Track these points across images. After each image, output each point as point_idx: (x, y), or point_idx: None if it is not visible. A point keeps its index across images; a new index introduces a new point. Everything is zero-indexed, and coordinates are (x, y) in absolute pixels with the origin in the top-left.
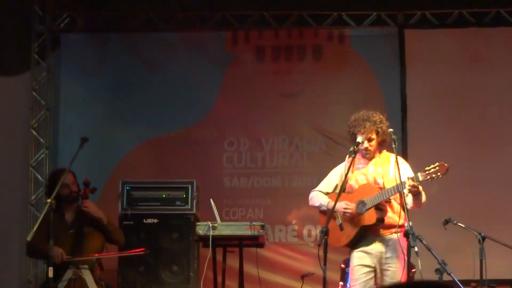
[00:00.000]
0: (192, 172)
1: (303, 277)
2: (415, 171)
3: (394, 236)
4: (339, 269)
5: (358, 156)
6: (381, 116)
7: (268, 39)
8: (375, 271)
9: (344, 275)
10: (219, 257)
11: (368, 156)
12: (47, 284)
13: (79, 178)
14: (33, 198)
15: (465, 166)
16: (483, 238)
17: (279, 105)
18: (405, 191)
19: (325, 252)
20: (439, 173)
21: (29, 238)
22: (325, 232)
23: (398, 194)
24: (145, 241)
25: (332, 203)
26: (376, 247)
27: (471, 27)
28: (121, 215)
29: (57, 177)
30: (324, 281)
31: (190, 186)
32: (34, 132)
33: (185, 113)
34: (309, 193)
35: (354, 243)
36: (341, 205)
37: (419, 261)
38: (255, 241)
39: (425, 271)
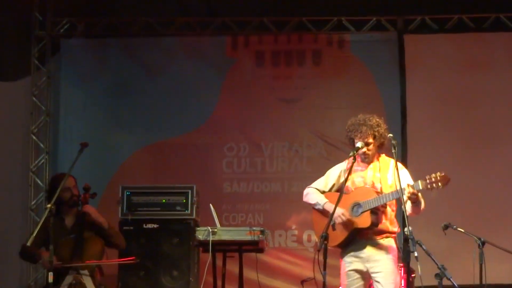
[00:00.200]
0: (192, 177)
1: (303, 282)
2: (415, 176)
3: (385, 241)
4: (339, 274)
5: (357, 159)
6: (378, 120)
7: (268, 44)
8: (366, 275)
9: None
10: (219, 262)
11: (367, 160)
12: None
13: (79, 183)
14: (33, 203)
15: (464, 171)
16: (483, 243)
17: (278, 110)
18: (405, 197)
19: (325, 257)
20: (439, 183)
21: (28, 243)
22: (324, 237)
23: (394, 201)
24: (145, 246)
25: (329, 205)
26: (367, 251)
27: (471, 32)
28: (121, 220)
29: (57, 182)
30: (324, 286)
31: (190, 191)
32: (34, 137)
33: (185, 118)
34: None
35: (345, 245)
36: (339, 210)
37: (418, 266)
38: (255, 246)
39: (425, 276)
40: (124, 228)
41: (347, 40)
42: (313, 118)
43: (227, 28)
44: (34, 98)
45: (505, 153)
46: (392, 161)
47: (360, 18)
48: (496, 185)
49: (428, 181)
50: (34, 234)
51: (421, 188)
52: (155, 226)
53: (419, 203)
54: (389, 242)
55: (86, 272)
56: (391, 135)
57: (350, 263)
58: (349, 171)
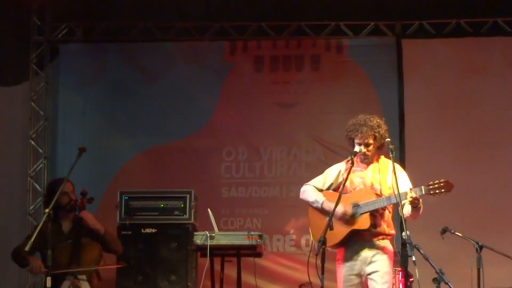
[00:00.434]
0: (190, 182)
1: (301, 286)
2: (413, 179)
3: (382, 242)
4: (335, 278)
5: (357, 160)
6: (378, 120)
7: (266, 49)
8: (363, 277)
9: None
10: (217, 267)
11: (366, 161)
12: None
13: (78, 188)
14: (31, 208)
15: (463, 175)
16: (481, 247)
17: (277, 115)
18: (405, 201)
19: (323, 262)
20: (443, 190)
21: (27, 248)
22: (322, 242)
23: (400, 202)
24: (143, 251)
25: (328, 203)
26: (364, 253)
27: (469, 36)
28: (119, 225)
29: (55, 187)
30: None
31: (188, 196)
32: (32, 142)
33: (183, 122)
34: (305, 202)
35: (342, 245)
36: (340, 209)
37: (416, 270)
38: (253, 251)
39: (422, 280)
40: (122, 232)
41: (345, 45)
42: (312, 122)
43: (226, 33)
44: (32, 103)
45: (503, 157)
46: (390, 163)
47: (358, 23)
48: (494, 189)
49: (431, 186)
50: (32, 239)
51: (423, 193)
52: (153, 230)
53: (419, 208)
54: (386, 243)
55: (83, 277)
56: (389, 139)
57: (348, 267)
58: (347, 175)
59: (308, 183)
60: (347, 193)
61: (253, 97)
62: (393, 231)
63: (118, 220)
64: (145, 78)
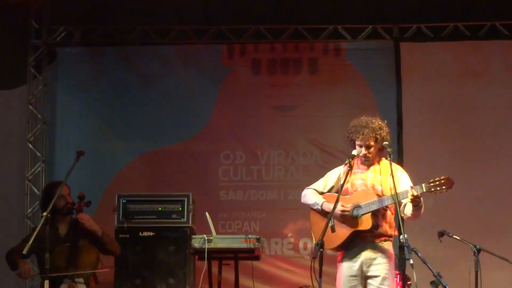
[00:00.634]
0: (188, 185)
1: None
2: (412, 183)
3: (386, 245)
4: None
5: (358, 161)
6: (380, 122)
7: (264, 52)
8: (363, 278)
9: None
10: (215, 270)
11: (367, 163)
12: None
13: (76, 191)
14: (29, 211)
15: (460, 179)
16: (478, 251)
17: (275, 118)
18: (406, 200)
19: (321, 265)
20: (444, 187)
21: (24, 251)
22: (320, 245)
23: (395, 204)
24: (141, 254)
25: (327, 204)
26: (366, 254)
27: (466, 40)
28: (117, 228)
29: (51, 190)
30: None
31: (186, 199)
32: (30, 146)
33: (181, 126)
34: (305, 206)
35: (344, 247)
36: (338, 207)
37: (414, 273)
38: (251, 254)
39: (420, 283)
40: (120, 236)
41: (343, 48)
42: (309, 126)
43: (224, 36)
44: (30, 107)
45: (501, 160)
46: (393, 164)
47: (356, 26)
48: (492, 192)
49: (431, 184)
50: (30, 243)
51: (424, 191)
52: (151, 234)
53: (421, 207)
54: (388, 245)
55: (81, 280)
56: (386, 142)
57: (349, 268)
58: (345, 178)
59: (309, 186)
60: (348, 195)
61: (251, 100)
62: (395, 232)
63: (116, 223)
64: (143, 81)
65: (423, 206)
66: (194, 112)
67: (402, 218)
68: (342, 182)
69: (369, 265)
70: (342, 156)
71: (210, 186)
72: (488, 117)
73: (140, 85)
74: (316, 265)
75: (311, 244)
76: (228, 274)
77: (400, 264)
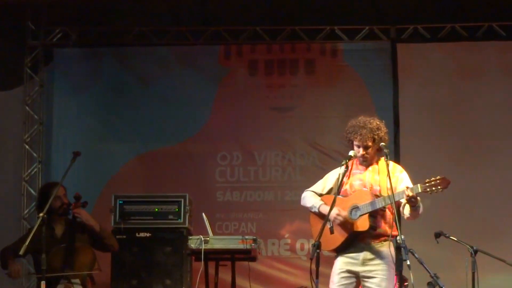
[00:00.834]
0: (185, 186)
1: None
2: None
3: (385, 245)
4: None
5: (356, 162)
6: (378, 123)
7: (261, 53)
8: (358, 278)
9: None
10: (212, 271)
11: (366, 163)
12: None
13: (72, 192)
14: (26, 212)
15: (457, 179)
16: (475, 252)
17: (272, 119)
18: (403, 200)
19: (317, 266)
20: (439, 187)
21: (21, 252)
22: (317, 246)
23: (393, 205)
24: (138, 255)
25: (325, 207)
26: (364, 255)
27: (463, 40)
28: (113, 229)
29: (47, 191)
30: None
31: (182, 200)
32: (27, 147)
33: (178, 127)
34: (302, 207)
35: (343, 249)
36: (334, 211)
37: (411, 274)
38: (247, 255)
39: (417, 284)
40: (117, 236)
41: (340, 49)
42: (306, 127)
43: (221, 37)
44: (27, 108)
45: (498, 161)
46: (391, 164)
47: (353, 27)
48: (489, 193)
49: (427, 184)
50: (27, 243)
51: (420, 191)
52: (148, 235)
53: (418, 207)
54: (388, 246)
55: (77, 281)
56: (383, 144)
57: (344, 263)
58: (341, 179)
59: (308, 189)
60: (346, 196)
61: (248, 101)
62: (395, 232)
63: (112, 224)
64: (140, 82)
65: (421, 206)
66: (191, 113)
67: (400, 218)
68: (339, 183)
69: (367, 266)
70: (339, 157)
71: (207, 187)
72: (484, 117)
73: (137, 86)
74: (313, 266)
75: (308, 245)
76: (224, 275)
77: (397, 265)
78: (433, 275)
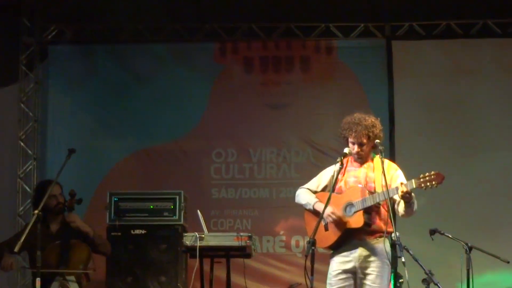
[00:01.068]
0: (180, 183)
1: (291, 287)
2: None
3: (380, 242)
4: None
5: (351, 159)
6: (373, 120)
7: (256, 50)
8: (355, 276)
9: None
10: (207, 268)
11: (360, 160)
12: None
13: (67, 189)
14: (21, 209)
15: (452, 176)
16: (470, 248)
17: (267, 116)
18: (397, 197)
19: (312, 263)
20: (434, 182)
21: (16, 249)
22: (312, 243)
23: (387, 201)
24: (133, 252)
25: (319, 204)
26: (360, 252)
27: (458, 38)
28: (109, 226)
29: (43, 189)
30: None
31: (177, 197)
32: (22, 144)
33: (173, 124)
34: (297, 204)
35: (338, 246)
36: (328, 210)
37: (406, 271)
38: (242, 252)
39: (412, 281)
40: (112, 233)
41: (335, 46)
42: (301, 124)
43: (216, 34)
44: (22, 105)
45: (493, 159)
46: (386, 162)
47: (348, 24)
48: (483, 190)
49: (422, 179)
50: (22, 240)
51: (414, 186)
52: (143, 232)
53: (413, 203)
54: (383, 242)
55: (72, 278)
56: (378, 141)
57: (340, 263)
58: (336, 176)
59: (303, 186)
60: (341, 193)
61: (243, 98)
62: (390, 229)
63: (107, 221)
64: (135, 79)
65: (415, 203)
66: (186, 110)
67: (394, 215)
68: (334, 181)
69: (363, 263)
70: (334, 154)
71: (202, 184)
72: (479, 114)
73: (132, 83)
74: (308, 263)
75: (303, 242)
76: (219, 272)
77: (392, 262)
78: (427, 271)
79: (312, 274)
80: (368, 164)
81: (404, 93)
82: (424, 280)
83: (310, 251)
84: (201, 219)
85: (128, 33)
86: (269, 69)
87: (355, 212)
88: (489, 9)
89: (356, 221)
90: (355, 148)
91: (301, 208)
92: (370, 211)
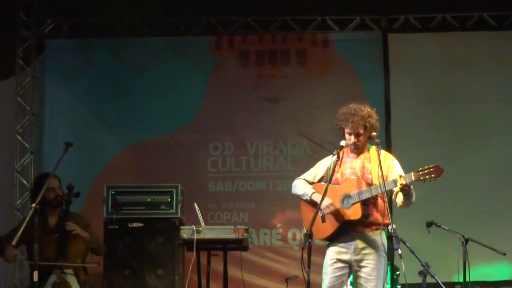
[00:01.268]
0: (177, 176)
1: (288, 280)
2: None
3: (377, 234)
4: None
5: (347, 150)
6: (369, 110)
7: (253, 43)
8: (350, 267)
9: None
10: (204, 261)
11: (357, 151)
12: None
13: (64, 183)
14: (18, 202)
15: (448, 169)
16: (466, 241)
17: (263, 109)
18: (396, 189)
19: (309, 255)
20: (433, 175)
21: (14, 243)
22: (309, 236)
23: (384, 193)
24: (130, 245)
25: (317, 195)
26: (356, 244)
27: (454, 31)
28: (106, 219)
29: (41, 182)
30: (308, 284)
31: (175, 190)
32: (19, 137)
33: (170, 117)
34: (293, 197)
35: (335, 237)
36: (325, 201)
37: (402, 263)
38: (239, 245)
39: (409, 273)
40: (109, 227)
41: (331, 39)
42: (298, 117)
43: (212, 28)
44: (19, 98)
45: (489, 150)
46: (383, 153)
47: (344, 17)
48: (480, 183)
49: (420, 172)
50: (19, 233)
51: (413, 179)
52: (140, 225)
53: (411, 195)
54: (380, 235)
55: (70, 271)
56: (374, 133)
57: (335, 252)
58: (333, 168)
59: (299, 177)
60: (338, 185)
61: (240, 91)
62: (387, 221)
63: (104, 214)
64: (131, 73)
65: (413, 194)
66: (182, 104)
67: (391, 207)
68: (331, 172)
69: (358, 255)
70: (331, 147)
71: (199, 177)
72: (475, 107)
73: (129, 77)
74: (305, 256)
75: (300, 235)
76: (217, 265)
77: (389, 255)
78: (424, 264)
79: (309, 267)
80: (365, 155)
81: (400, 85)
82: (420, 272)
83: (307, 244)
84: (198, 212)
85: (124, 27)
86: (265, 62)
87: (352, 204)
88: (485, 2)
89: (354, 213)
90: (352, 139)
91: (298, 200)
92: (367, 203)
